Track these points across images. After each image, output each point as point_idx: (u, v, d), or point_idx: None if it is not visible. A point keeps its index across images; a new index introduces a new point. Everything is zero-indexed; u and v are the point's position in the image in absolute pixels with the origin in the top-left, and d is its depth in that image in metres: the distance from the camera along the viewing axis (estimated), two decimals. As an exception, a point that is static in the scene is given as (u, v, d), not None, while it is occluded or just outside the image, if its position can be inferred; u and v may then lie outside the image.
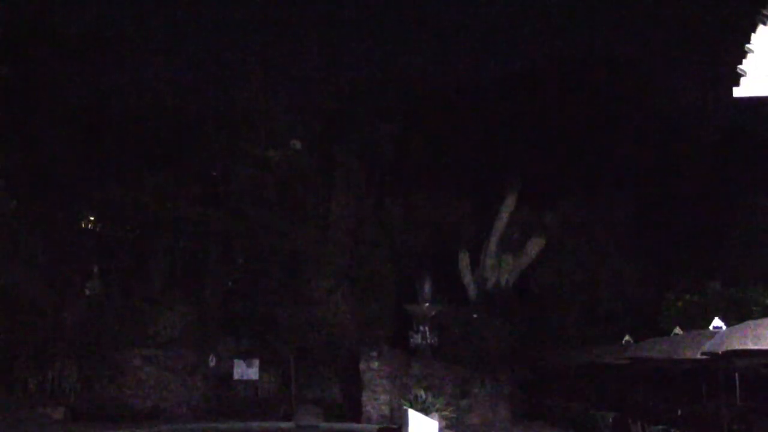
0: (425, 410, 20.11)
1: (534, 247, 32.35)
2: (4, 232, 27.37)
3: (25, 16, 31.39)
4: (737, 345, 11.72)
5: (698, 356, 13.85)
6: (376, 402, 27.30)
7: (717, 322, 16.01)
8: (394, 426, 23.57)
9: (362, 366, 27.66)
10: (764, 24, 12.70)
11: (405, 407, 20.56)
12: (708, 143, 33.51)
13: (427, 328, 28.84)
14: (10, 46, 30.40)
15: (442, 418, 20.86)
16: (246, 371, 29.45)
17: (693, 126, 33.66)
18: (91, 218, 32.88)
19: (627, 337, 21.53)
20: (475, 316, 30.76)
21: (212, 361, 29.00)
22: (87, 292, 28.59)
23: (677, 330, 18.17)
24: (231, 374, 29.48)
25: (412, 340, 29.15)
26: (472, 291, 32.72)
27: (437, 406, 21.03)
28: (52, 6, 32.31)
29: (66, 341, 27.54)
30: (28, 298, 26.90)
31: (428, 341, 28.82)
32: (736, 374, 16.03)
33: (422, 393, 21.69)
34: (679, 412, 17.36)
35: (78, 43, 32.00)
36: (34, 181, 29.20)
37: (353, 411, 27.84)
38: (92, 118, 31.46)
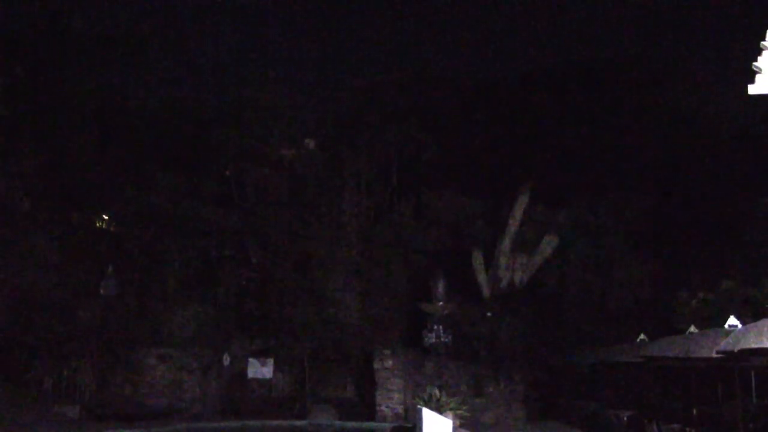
0: (439, 409, 20.11)
1: (547, 245, 32.25)
2: (19, 232, 27.53)
3: (38, 16, 31.56)
4: (753, 343, 11.65)
5: (713, 355, 13.79)
6: (389, 401, 27.35)
7: (732, 320, 15.91)
8: (408, 425, 23.55)
9: (376, 365, 27.70)
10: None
11: (419, 406, 20.55)
12: (722, 141, 33.33)
13: (440, 327, 28.75)
14: (24, 46, 30.55)
15: (456, 416, 20.87)
16: (260, 370, 29.50)
17: (707, 124, 33.49)
18: (105, 218, 33.04)
19: (642, 336, 21.44)
20: (489, 314, 30.74)
21: (226, 360, 29.05)
22: (101, 291, 28.63)
23: (692, 328, 18.10)
24: (245, 373, 29.53)
25: (425, 338, 29.08)
26: (485, 290, 32.65)
27: (451, 404, 21.06)
28: (66, 7, 32.50)
29: (81, 341, 27.65)
30: (43, 298, 27.03)
31: (442, 340, 28.74)
32: (752, 373, 15.91)
33: (436, 392, 21.73)
34: (695, 411, 17.28)
35: (92, 44, 32.17)
36: (48, 182, 29.33)
37: (367, 409, 27.87)
38: (106, 118, 31.62)
